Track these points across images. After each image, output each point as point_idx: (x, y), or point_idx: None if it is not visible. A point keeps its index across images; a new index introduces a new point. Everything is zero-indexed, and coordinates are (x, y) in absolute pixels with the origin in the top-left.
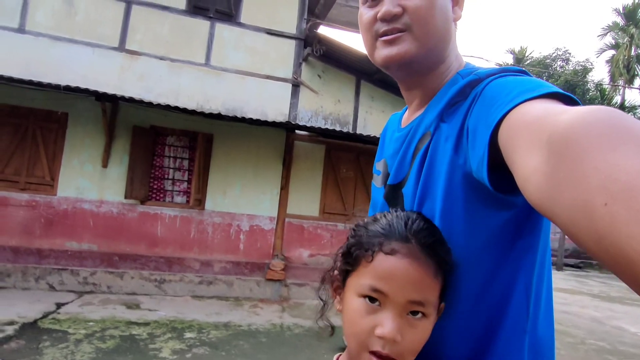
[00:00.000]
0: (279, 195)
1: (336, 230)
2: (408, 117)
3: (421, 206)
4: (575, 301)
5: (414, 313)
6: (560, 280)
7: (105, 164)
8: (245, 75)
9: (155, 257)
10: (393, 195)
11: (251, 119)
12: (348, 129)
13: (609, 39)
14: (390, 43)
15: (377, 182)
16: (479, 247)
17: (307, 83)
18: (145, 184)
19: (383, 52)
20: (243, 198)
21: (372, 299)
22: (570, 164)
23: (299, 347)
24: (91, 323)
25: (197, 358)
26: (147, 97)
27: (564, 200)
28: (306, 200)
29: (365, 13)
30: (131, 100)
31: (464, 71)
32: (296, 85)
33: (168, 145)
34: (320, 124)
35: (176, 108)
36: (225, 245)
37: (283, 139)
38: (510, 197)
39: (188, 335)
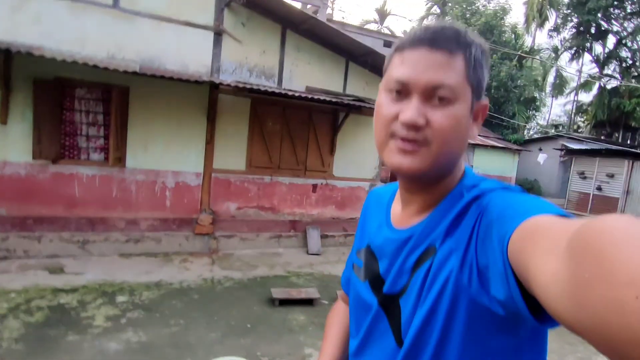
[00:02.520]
0: (204, 150)
1: (263, 183)
2: (403, 217)
3: (423, 323)
4: None
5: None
6: None
7: (4, 120)
8: (161, 20)
9: (75, 218)
10: (391, 304)
11: (172, 77)
12: (274, 81)
13: None
14: (405, 152)
15: (358, 273)
16: None
17: (231, 31)
18: (55, 142)
19: (395, 159)
20: (167, 154)
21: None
22: (595, 264)
23: (230, 300)
24: (13, 294)
25: (132, 323)
26: (47, 44)
27: (590, 301)
28: (232, 155)
29: (386, 106)
30: (28, 53)
31: (467, 183)
32: (218, 34)
33: (78, 98)
34: (245, 76)
35: (85, 64)
36: (151, 202)
37: (207, 92)
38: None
39: (120, 298)
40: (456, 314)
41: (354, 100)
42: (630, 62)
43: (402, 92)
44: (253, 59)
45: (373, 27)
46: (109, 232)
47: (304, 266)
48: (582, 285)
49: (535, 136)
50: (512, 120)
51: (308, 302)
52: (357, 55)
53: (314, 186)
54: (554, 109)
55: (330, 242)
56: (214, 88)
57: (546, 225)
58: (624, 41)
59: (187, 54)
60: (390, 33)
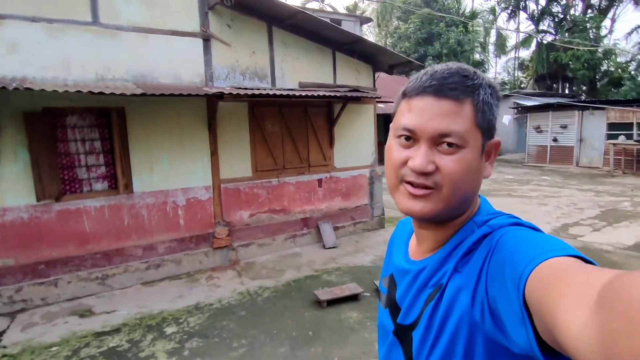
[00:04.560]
0: (210, 162)
1: (271, 186)
2: (418, 250)
3: (433, 358)
4: None
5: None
6: None
7: None
8: (146, 33)
9: (90, 255)
10: (404, 335)
11: (180, 94)
12: (267, 81)
13: None
14: (415, 197)
15: (382, 301)
16: None
17: (218, 35)
18: (55, 178)
19: (406, 204)
20: (173, 172)
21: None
22: (624, 317)
23: (278, 310)
24: (55, 348)
25: (195, 352)
26: (29, 72)
27: (618, 353)
28: (238, 162)
29: (396, 151)
30: (15, 89)
31: (479, 218)
32: (207, 40)
33: (70, 127)
34: (238, 79)
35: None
36: (165, 224)
37: (204, 102)
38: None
39: (169, 330)
40: (474, 352)
41: (350, 90)
42: (562, 16)
43: (411, 138)
44: (244, 61)
45: (315, 5)
46: (128, 263)
47: (327, 262)
48: (611, 338)
49: None
50: None
51: (353, 298)
52: (343, 44)
53: (319, 181)
54: (498, 69)
55: (341, 233)
56: (218, 98)
57: (568, 271)
58: None
59: (178, 64)
60: (332, 10)
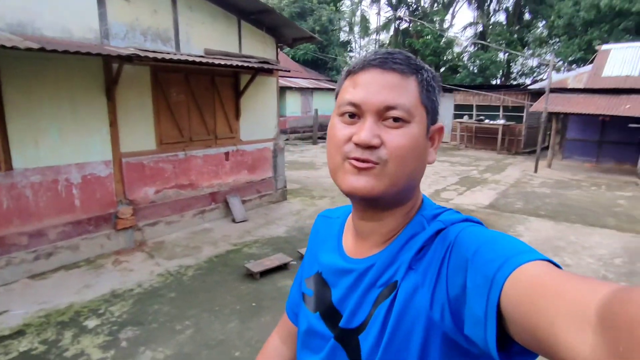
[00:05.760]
0: (109, 134)
1: (177, 160)
2: (358, 246)
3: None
4: None
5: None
6: (321, 152)
7: None
8: None
9: None
10: (348, 339)
11: (67, 50)
12: (171, 45)
13: None
14: (359, 171)
15: (308, 304)
16: None
17: None
18: None
19: (349, 180)
20: (65, 145)
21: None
22: (627, 337)
23: (210, 287)
24: None
25: (137, 342)
26: None
27: None
28: (140, 134)
29: (339, 128)
30: None
31: (427, 213)
32: None
33: None
34: (139, 40)
35: None
36: (57, 206)
37: (100, 64)
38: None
39: (91, 323)
40: (430, 350)
41: (261, 62)
42: (415, 6)
43: (356, 114)
44: (145, 20)
45: None
46: (10, 254)
47: (243, 235)
48: (620, 356)
49: None
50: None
51: (283, 267)
52: (249, 13)
53: (227, 154)
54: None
55: (248, 207)
56: (127, 61)
57: (553, 283)
58: None
59: (68, 15)
60: None
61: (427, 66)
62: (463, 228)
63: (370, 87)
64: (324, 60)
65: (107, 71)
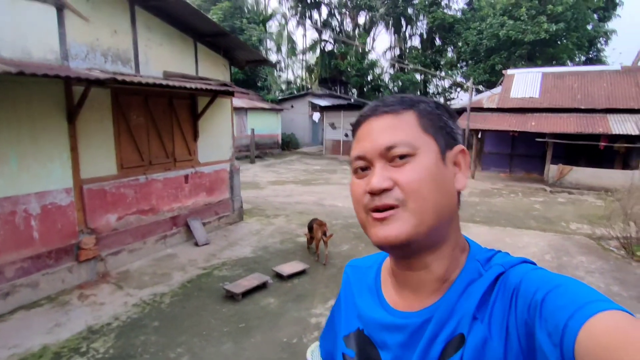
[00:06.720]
0: (70, 160)
1: (138, 184)
2: (405, 299)
3: None
4: (289, 190)
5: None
6: (261, 171)
7: None
8: None
9: None
10: None
11: (46, 75)
12: (131, 66)
13: None
14: (381, 221)
15: None
16: None
17: (73, 5)
18: None
19: (376, 233)
20: (23, 173)
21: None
22: None
23: (192, 313)
24: None
25: None
26: None
27: None
28: (101, 158)
29: (355, 184)
30: None
31: (479, 257)
32: (60, 9)
33: None
34: (99, 61)
35: None
36: (13, 239)
37: (62, 86)
38: None
39: None
40: None
41: (221, 85)
42: (339, 29)
43: (366, 167)
44: (105, 40)
45: None
46: None
47: (209, 259)
48: None
49: (285, 96)
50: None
51: (261, 287)
52: (205, 35)
53: (186, 177)
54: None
55: (208, 229)
56: (98, 84)
57: (636, 333)
58: (333, 11)
59: (27, 36)
60: None
61: (426, 98)
62: (526, 272)
63: (369, 136)
64: (254, 80)
65: (69, 94)
